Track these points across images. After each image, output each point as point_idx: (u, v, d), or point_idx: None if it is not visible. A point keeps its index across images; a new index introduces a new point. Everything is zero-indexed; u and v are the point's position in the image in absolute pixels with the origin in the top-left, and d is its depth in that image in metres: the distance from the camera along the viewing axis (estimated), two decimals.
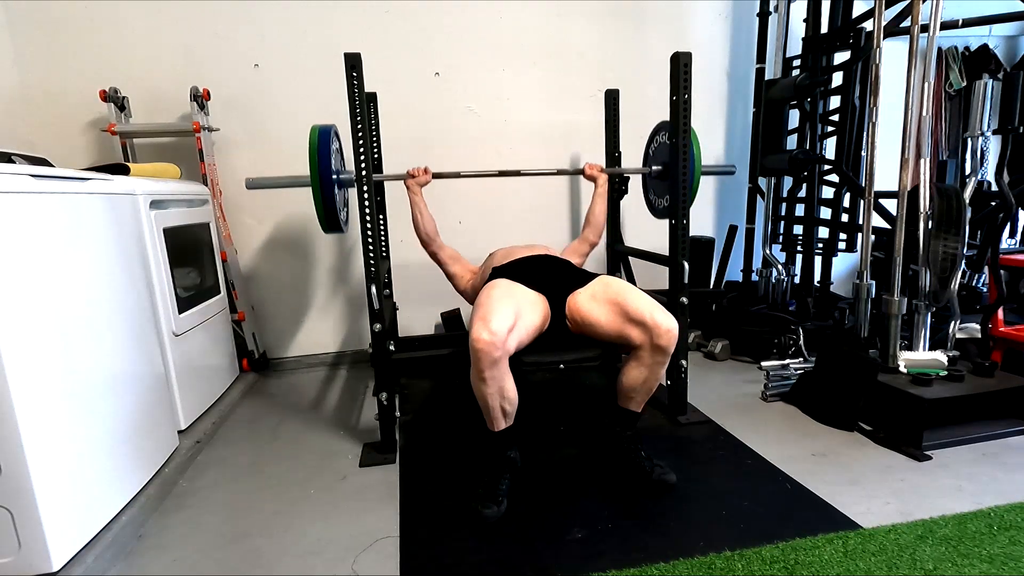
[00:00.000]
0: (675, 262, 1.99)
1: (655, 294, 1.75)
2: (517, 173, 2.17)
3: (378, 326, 1.82)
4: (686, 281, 1.98)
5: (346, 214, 2.10)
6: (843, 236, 2.80)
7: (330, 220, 1.92)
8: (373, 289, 1.80)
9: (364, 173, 1.75)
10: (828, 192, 2.80)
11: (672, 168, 1.97)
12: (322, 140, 1.84)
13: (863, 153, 2.50)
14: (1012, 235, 3.16)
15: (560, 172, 2.34)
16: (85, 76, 2.47)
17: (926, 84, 1.95)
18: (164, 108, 2.57)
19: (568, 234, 3.10)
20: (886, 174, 2.20)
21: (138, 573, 1.36)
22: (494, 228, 2.88)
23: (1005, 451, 1.76)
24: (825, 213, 2.79)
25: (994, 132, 2.14)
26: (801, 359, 2.41)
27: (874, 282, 2.13)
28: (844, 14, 2.66)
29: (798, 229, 2.92)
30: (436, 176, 2.08)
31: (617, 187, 2.63)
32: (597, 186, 2.20)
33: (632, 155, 2.69)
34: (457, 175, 2.12)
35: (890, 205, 2.18)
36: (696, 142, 2.04)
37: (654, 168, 2.18)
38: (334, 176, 1.87)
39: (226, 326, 2.53)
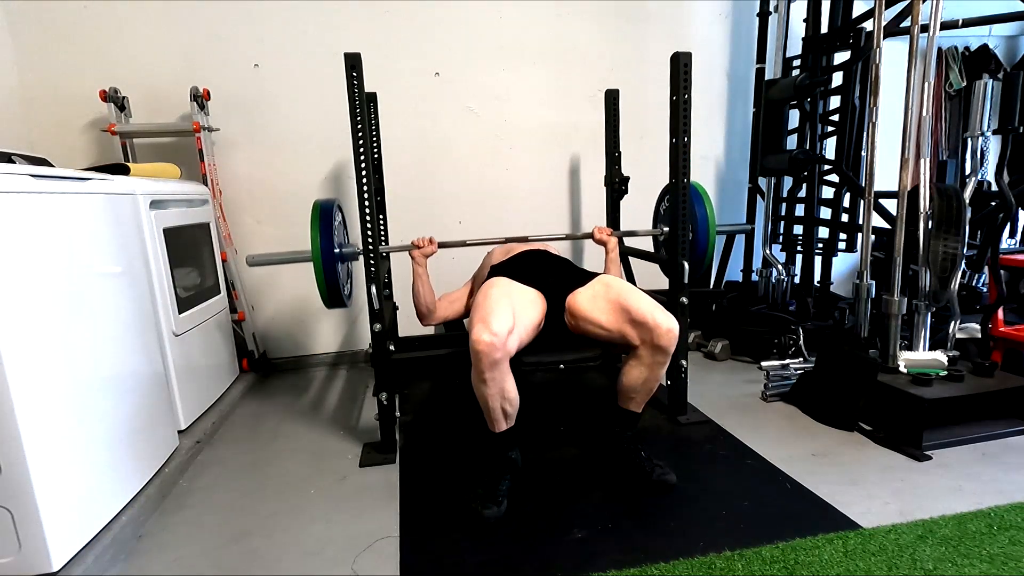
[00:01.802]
0: (675, 262, 1.99)
1: (655, 294, 1.75)
2: (524, 239, 2.01)
3: (378, 326, 1.82)
4: (686, 281, 1.98)
5: (350, 288, 2.05)
6: (843, 236, 2.80)
7: (333, 297, 1.86)
8: (373, 289, 1.80)
9: (371, 245, 1.75)
10: (828, 192, 2.79)
11: (672, 164, 1.97)
12: (324, 217, 1.80)
13: (863, 153, 2.50)
14: (1012, 235, 3.16)
15: (568, 237, 2.26)
16: (85, 76, 2.47)
17: (926, 84, 1.95)
18: (164, 108, 2.58)
19: (567, 233, 3.10)
20: (886, 174, 2.20)
21: (138, 573, 1.36)
22: (494, 228, 2.88)
23: (1005, 451, 1.76)
24: (825, 213, 2.79)
25: (994, 132, 2.14)
26: (801, 359, 2.41)
27: (874, 282, 2.13)
28: (844, 14, 2.66)
29: (798, 229, 2.92)
30: (442, 246, 1.93)
31: (617, 187, 2.63)
32: (608, 251, 2.00)
33: (632, 155, 2.69)
34: (463, 243, 1.99)
35: (890, 205, 2.18)
36: (708, 201, 2.03)
37: (665, 229, 2.09)
38: (336, 250, 1.83)
39: (226, 326, 2.53)
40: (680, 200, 1.94)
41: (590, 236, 2.03)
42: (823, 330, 2.54)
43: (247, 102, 2.66)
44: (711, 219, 2.04)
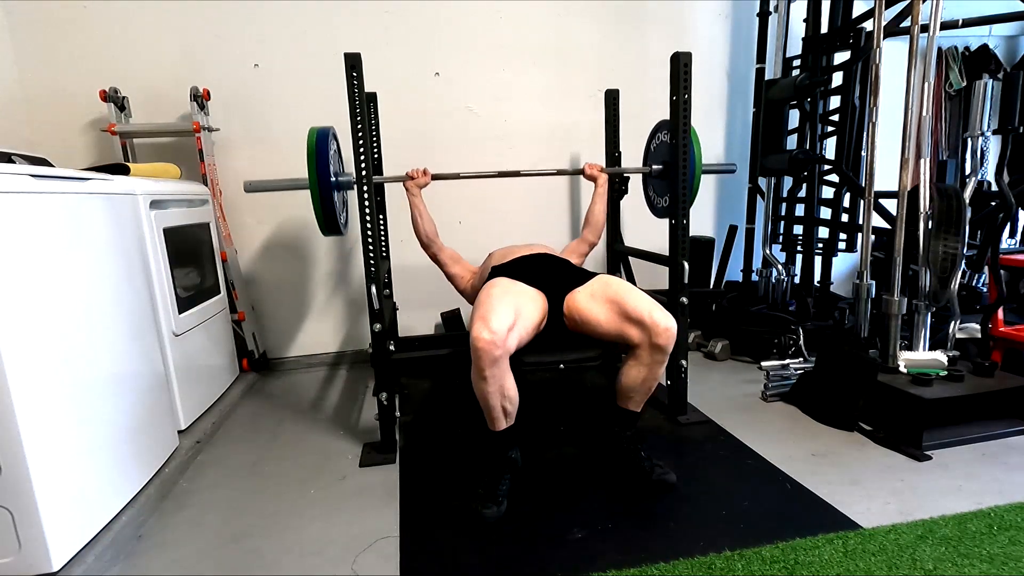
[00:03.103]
0: (675, 262, 1.99)
1: (655, 294, 1.75)
2: (516, 174, 2.16)
3: (378, 326, 1.82)
4: (686, 281, 1.98)
5: (345, 216, 2.09)
6: (843, 236, 2.80)
7: (329, 223, 1.91)
8: (373, 289, 1.80)
9: (364, 175, 1.75)
10: (828, 192, 2.80)
11: (672, 169, 1.97)
12: (320, 143, 1.83)
13: (863, 153, 2.50)
14: (1012, 235, 3.16)
15: (560, 172, 2.32)
16: (85, 76, 2.47)
17: (926, 84, 1.95)
18: (164, 108, 2.58)
19: (568, 234, 3.10)
20: (886, 174, 2.20)
21: (138, 573, 1.36)
22: (494, 228, 2.88)
23: (1005, 451, 1.76)
24: (825, 213, 2.79)
25: (994, 132, 2.14)
26: (801, 359, 2.41)
27: (874, 282, 2.13)
28: (844, 14, 2.66)
29: (798, 229, 2.92)
30: (435, 177, 2.07)
31: (618, 187, 2.63)
32: (597, 186, 2.19)
33: (632, 155, 2.69)
34: (457, 176, 2.11)
35: (890, 205, 2.18)
36: (696, 140, 2.04)
37: (654, 167, 2.16)
38: (333, 179, 1.86)
39: (226, 326, 2.53)
40: (680, 198, 1.94)
41: (581, 172, 2.18)
42: (823, 330, 2.54)
43: (247, 102, 2.66)
44: (698, 157, 2.06)
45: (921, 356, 2.02)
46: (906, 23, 2.13)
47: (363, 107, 1.72)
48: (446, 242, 2.14)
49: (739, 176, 3.20)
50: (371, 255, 1.79)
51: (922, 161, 1.99)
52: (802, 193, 2.84)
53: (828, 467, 1.70)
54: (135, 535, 1.49)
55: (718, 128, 3.21)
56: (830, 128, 2.79)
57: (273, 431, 2.15)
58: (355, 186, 1.78)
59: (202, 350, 2.22)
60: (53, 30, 2.45)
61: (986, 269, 2.43)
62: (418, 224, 2.05)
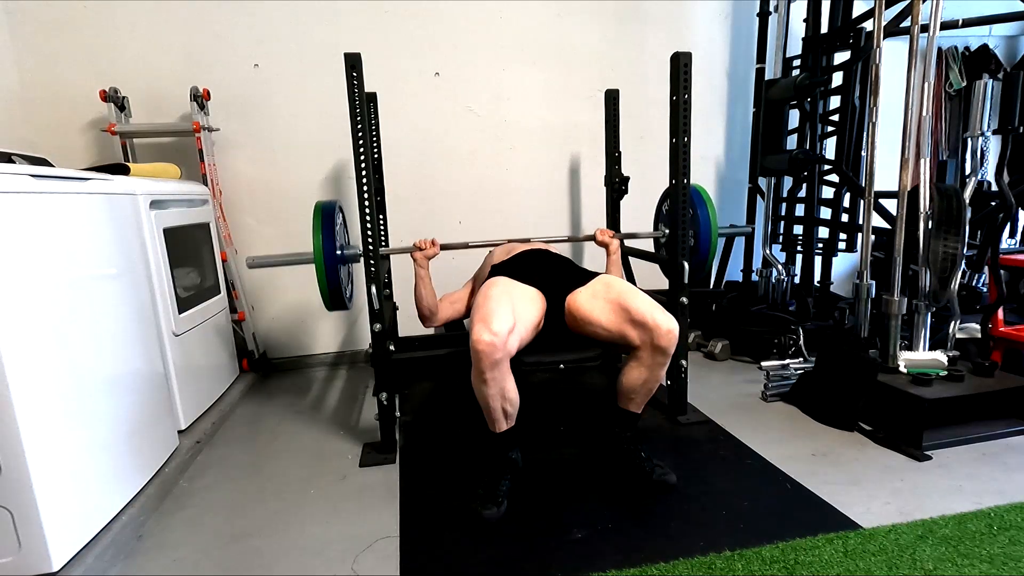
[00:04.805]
0: (675, 262, 1.99)
1: (655, 294, 1.75)
2: (527, 241, 2.00)
3: (378, 326, 1.82)
4: (686, 281, 1.98)
5: (351, 290, 2.05)
6: (843, 236, 2.80)
7: (335, 299, 1.85)
8: (373, 289, 1.80)
9: (371, 246, 1.76)
10: (828, 192, 2.80)
11: (672, 164, 1.97)
12: (326, 221, 1.79)
13: (863, 153, 2.50)
14: (1012, 235, 3.16)
15: (571, 239, 2.23)
16: (85, 76, 2.47)
17: (926, 84, 1.95)
18: (164, 108, 2.58)
19: (568, 234, 3.10)
20: (886, 174, 2.20)
21: (138, 573, 1.36)
22: (494, 228, 2.88)
23: (1005, 451, 1.76)
24: (825, 213, 2.79)
25: (994, 132, 2.14)
26: (801, 359, 2.41)
27: (874, 282, 2.13)
28: (844, 14, 2.66)
29: (798, 229, 2.92)
30: (444, 247, 1.91)
31: (617, 187, 2.63)
32: (609, 253, 1.99)
33: (632, 155, 2.69)
34: (466, 245, 1.99)
35: (890, 205, 2.18)
36: (711, 204, 2.03)
37: (666, 231, 2.08)
38: (338, 252, 1.82)
39: (226, 326, 2.53)
40: (680, 199, 1.94)
41: (592, 238, 2.03)
42: (823, 330, 2.54)
43: (247, 102, 2.66)
44: (713, 222, 2.03)
45: (921, 356, 2.02)
46: (906, 23, 2.13)
47: (363, 107, 1.71)
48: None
49: (739, 176, 3.21)
50: (371, 255, 1.79)
51: (922, 161, 1.99)
52: (802, 193, 2.84)
53: (828, 467, 1.70)
54: (135, 535, 1.49)
55: (718, 128, 3.21)
56: (830, 128, 2.79)
57: (273, 431, 2.15)
58: (362, 259, 1.77)
59: (202, 350, 2.22)
60: (53, 30, 2.45)
61: (986, 269, 2.43)
62: (422, 297, 1.88)
